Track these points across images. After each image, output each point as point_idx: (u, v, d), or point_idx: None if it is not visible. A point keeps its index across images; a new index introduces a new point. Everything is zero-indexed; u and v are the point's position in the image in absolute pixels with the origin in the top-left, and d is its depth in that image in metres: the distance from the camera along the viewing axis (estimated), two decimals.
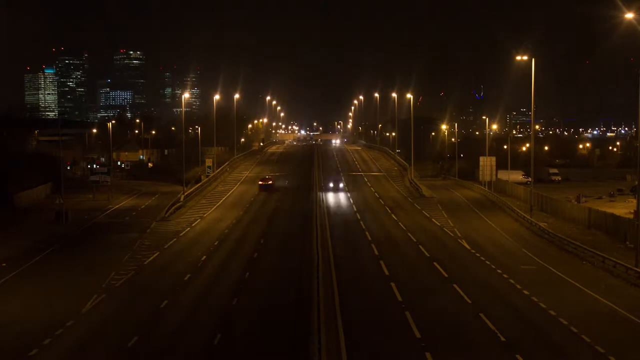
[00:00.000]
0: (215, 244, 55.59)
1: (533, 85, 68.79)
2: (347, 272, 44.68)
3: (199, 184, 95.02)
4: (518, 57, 72.51)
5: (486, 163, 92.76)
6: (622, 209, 73.02)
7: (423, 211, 74.42)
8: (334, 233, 59.27)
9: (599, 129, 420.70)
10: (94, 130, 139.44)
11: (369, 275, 44.75)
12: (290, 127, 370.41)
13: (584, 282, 43.11)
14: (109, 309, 36.91)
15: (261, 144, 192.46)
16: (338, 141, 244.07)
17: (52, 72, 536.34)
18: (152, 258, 50.19)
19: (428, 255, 50.92)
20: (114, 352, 30.33)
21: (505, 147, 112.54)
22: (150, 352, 30.39)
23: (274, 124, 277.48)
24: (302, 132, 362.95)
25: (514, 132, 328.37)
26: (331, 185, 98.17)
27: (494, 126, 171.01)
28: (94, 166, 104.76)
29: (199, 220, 68.34)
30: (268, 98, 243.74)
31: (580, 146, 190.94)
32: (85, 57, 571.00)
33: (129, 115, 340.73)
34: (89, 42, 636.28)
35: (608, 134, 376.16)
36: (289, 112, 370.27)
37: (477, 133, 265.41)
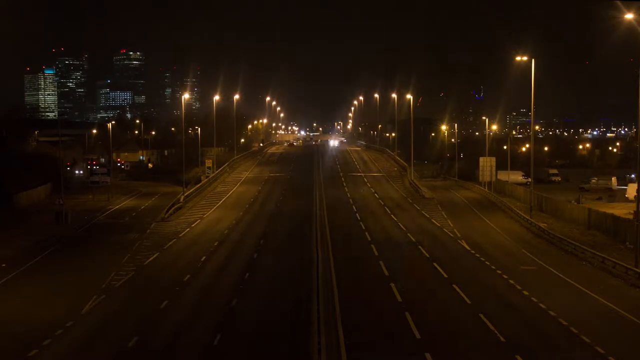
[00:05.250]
0: (215, 244, 55.58)
1: (533, 86, 68.81)
2: (347, 273, 44.65)
3: (199, 185, 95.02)
4: (518, 58, 72.57)
5: (486, 163, 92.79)
6: (622, 209, 73.01)
7: (423, 212, 74.40)
8: (334, 233, 59.20)
9: (599, 129, 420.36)
10: (94, 131, 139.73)
11: (368, 276, 44.72)
12: (290, 128, 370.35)
13: (583, 282, 43.13)
14: (109, 310, 36.91)
15: (261, 144, 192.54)
16: (338, 142, 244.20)
17: (52, 72, 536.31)
18: (152, 258, 50.19)
19: (428, 256, 50.91)
20: (114, 352, 30.31)
21: (505, 147, 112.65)
22: (150, 352, 30.38)
23: (273, 124, 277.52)
24: (302, 132, 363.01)
25: (514, 132, 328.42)
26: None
27: (494, 127, 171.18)
28: (94, 167, 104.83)
29: (198, 220, 68.34)
30: (268, 99, 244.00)
31: (580, 147, 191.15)
32: (85, 58, 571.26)
33: (128, 116, 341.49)
34: (89, 43, 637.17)
35: (608, 134, 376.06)
36: (289, 112, 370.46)
37: (476, 134, 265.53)
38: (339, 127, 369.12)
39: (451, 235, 60.95)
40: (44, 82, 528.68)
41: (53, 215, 68.16)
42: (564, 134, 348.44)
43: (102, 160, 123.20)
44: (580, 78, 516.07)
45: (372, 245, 54.78)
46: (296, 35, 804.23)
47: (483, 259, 50.05)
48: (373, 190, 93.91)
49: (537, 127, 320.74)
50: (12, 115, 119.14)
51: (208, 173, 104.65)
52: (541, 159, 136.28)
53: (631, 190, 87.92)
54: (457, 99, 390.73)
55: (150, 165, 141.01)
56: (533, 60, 68.08)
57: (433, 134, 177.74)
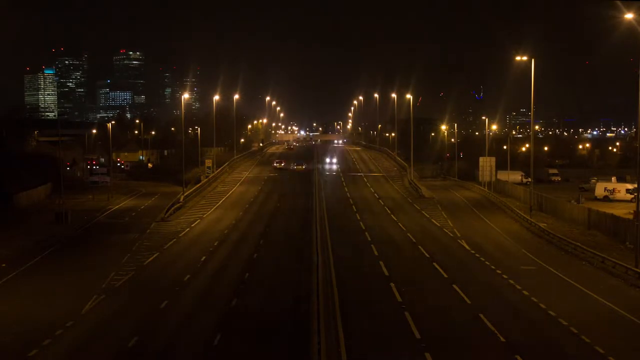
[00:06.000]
0: (215, 244, 55.58)
1: (533, 86, 68.83)
2: (347, 273, 44.67)
3: (199, 185, 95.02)
4: (518, 58, 72.56)
5: (486, 163, 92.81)
6: (622, 209, 73.03)
7: (423, 212, 74.40)
8: (334, 233, 59.21)
9: (599, 129, 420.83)
10: (94, 131, 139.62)
11: (368, 276, 44.72)
12: (289, 128, 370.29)
13: (583, 282, 43.12)
14: (109, 310, 36.90)
15: (261, 144, 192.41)
16: (338, 142, 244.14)
17: (51, 72, 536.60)
18: (151, 258, 50.18)
19: (428, 256, 50.91)
20: (114, 352, 30.30)
21: (504, 147, 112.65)
22: (150, 352, 30.37)
23: (273, 124, 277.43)
24: (302, 132, 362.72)
25: (514, 132, 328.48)
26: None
27: (494, 126, 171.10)
28: (93, 167, 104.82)
29: (198, 220, 68.36)
30: (268, 98, 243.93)
31: (580, 146, 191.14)
32: (85, 58, 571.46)
33: (128, 115, 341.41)
34: (89, 43, 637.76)
35: (608, 134, 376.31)
36: (289, 112, 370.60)
37: (476, 133, 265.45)
38: (338, 127, 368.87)
39: (451, 235, 60.95)
40: (44, 82, 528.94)
41: (53, 215, 68.17)
42: (564, 134, 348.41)
43: (102, 160, 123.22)
44: (580, 78, 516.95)
45: (372, 245, 54.77)
46: (296, 34, 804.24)
47: (483, 259, 50.05)
48: (373, 190, 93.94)
49: (537, 127, 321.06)
50: (12, 115, 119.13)
51: (208, 173, 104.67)
52: (541, 159, 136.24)
53: (599, 189, 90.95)
54: (456, 99, 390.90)
55: (150, 165, 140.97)
56: (533, 60, 68.10)
57: (433, 134, 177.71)
